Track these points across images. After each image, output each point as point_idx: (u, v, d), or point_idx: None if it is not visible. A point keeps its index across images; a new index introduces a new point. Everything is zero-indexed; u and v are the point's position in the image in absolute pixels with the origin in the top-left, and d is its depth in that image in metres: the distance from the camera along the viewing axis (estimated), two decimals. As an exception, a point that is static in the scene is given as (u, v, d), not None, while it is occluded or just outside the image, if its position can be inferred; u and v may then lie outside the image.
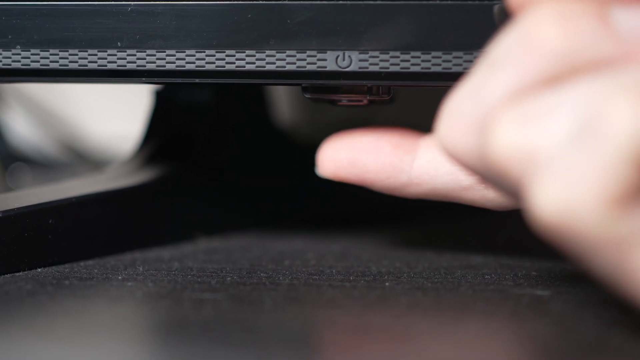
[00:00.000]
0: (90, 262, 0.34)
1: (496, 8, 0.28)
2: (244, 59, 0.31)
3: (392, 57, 0.30)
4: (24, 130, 0.70)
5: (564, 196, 0.21)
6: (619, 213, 0.21)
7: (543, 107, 0.22)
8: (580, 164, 0.21)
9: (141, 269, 0.33)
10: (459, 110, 0.24)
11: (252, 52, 0.30)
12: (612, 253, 0.21)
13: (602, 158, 0.20)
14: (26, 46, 0.31)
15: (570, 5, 0.23)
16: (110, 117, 0.74)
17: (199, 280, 0.31)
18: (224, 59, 0.31)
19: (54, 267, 0.33)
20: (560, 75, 0.22)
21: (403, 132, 0.32)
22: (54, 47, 0.31)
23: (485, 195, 0.31)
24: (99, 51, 0.31)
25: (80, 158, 0.67)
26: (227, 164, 0.42)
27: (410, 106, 0.52)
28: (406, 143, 0.32)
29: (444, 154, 0.25)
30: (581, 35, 0.22)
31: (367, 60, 0.30)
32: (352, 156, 0.32)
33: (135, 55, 0.31)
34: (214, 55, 0.31)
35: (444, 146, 0.24)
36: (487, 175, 0.24)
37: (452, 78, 0.29)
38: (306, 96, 0.32)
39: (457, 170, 0.31)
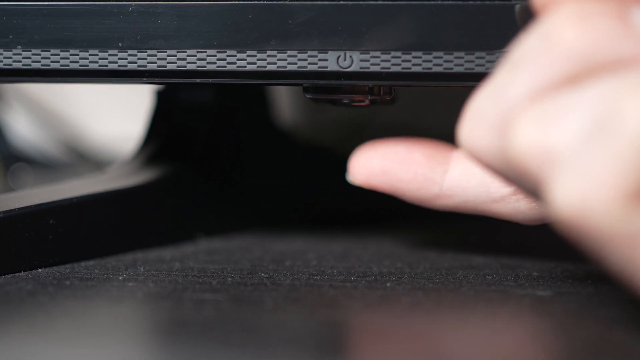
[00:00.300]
0: (91, 262, 0.34)
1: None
2: (244, 59, 0.31)
3: (393, 57, 0.30)
4: (25, 131, 0.70)
5: (580, 192, 0.21)
6: (634, 209, 0.21)
7: (561, 106, 0.22)
8: (595, 160, 0.21)
9: (142, 269, 0.33)
10: (481, 111, 0.24)
11: (253, 52, 0.30)
12: (627, 249, 0.21)
13: (617, 155, 0.21)
14: (27, 46, 0.31)
15: (590, 6, 0.23)
16: (112, 118, 0.74)
17: (200, 280, 0.31)
18: (224, 59, 0.31)
19: (54, 268, 0.33)
20: (581, 74, 0.22)
21: (436, 143, 0.32)
22: (55, 47, 0.31)
23: (516, 207, 0.31)
24: (99, 51, 0.31)
25: (82, 158, 0.67)
26: (228, 164, 0.42)
27: (412, 106, 0.52)
28: (439, 154, 0.32)
29: (466, 155, 0.25)
30: (601, 36, 0.22)
31: (368, 61, 0.30)
32: (384, 165, 0.32)
33: (136, 55, 0.31)
34: (215, 56, 0.31)
35: (466, 147, 0.25)
36: (509, 174, 0.24)
37: (453, 78, 0.29)
38: (307, 96, 0.32)
39: (488, 182, 0.31)
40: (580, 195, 0.21)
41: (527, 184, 0.23)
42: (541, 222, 0.32)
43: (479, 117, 0.24)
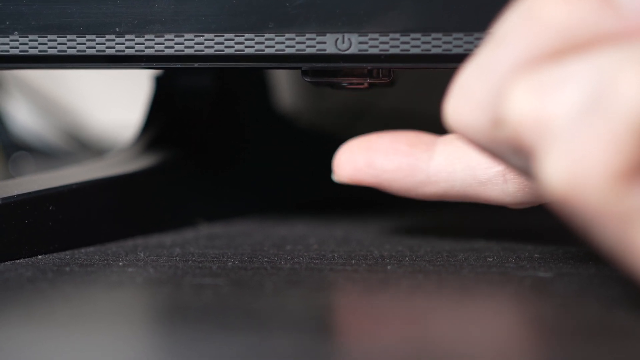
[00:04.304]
0: (91, 248, 0.34)
1: None
2: (243, 43, 0.30)
3: (391, 39, 0.30)
4: (26, 119, 0.70)
5: (571, 168, 0.21)
6: (624, 187, 0.21)
7: (557, 78, 0.22)
8: (588, 136, 0.21)
9: (142, 255, 0.33)
10: (466, 87, 0.24)
11: (252, 35, 0.30)
12: (616, 227, 0.21)
13: (610, 131, 0.21)
14: (24, 32, 0.31)
15: None
16: (114, 106, 0.74)
17: (200, 265, 0.31)
18: (223, 43, 0.30)
19: (54, 254, 0.33)
20: (565, 49, 0.22)
21: (419, 132, 0.32)
22: (52, 33, 0.31)
23: (504, 189, 0.31)
24: (97, 36, 0.31)
25: (83, 147, 0.67)
26: (228, 149, 0.42)
27: (412, 91, 0.51)
28: (423, 142, 0.32)
29: (453, 132, 0.25)
30: (583, 12, 0.22)
31: (366, 43, 0.30)
32: (368, 158, 0.32)
33: (133, 40, 0.31)
34: (213, 40, 0.31)
35: (453, 125, 0.24)
36: (497, 150, 0.24)
37: (452, 60, 0.29)
38: (306, 80, 0.32)
39: (474, 165, 0.31)
40: (572, 171, 0.21)
41: (516, 158, 0.23)
42: (529, 205, 0.32)
43: (465, 93, 0.24)
